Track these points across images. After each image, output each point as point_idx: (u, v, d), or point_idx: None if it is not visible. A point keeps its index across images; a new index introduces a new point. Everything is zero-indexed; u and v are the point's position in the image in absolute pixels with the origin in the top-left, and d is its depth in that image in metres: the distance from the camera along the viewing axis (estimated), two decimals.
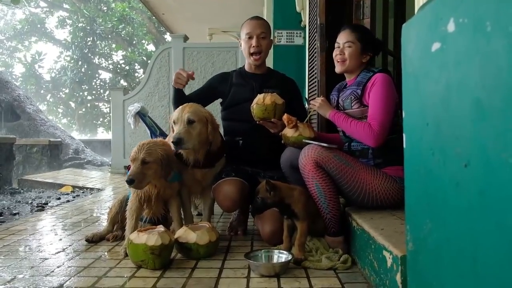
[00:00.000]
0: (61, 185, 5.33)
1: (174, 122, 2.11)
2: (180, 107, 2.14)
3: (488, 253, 0.71)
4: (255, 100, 2.12)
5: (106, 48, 20.19)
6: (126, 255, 1.93)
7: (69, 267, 1.82)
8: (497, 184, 0.68)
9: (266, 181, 1.84)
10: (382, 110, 1.85)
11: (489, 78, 0.70)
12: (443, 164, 0.87)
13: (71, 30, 19.39)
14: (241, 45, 2.48)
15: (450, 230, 0.84)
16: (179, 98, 2.36)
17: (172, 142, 2.02)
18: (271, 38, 2.50)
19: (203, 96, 2.44)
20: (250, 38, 2.37)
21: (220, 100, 2.52)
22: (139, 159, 1.93)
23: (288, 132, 2.04)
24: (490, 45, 0.69)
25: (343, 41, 2.03)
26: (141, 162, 1.93)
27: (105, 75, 20.54)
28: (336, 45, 2.07)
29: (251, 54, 2.38)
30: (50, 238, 2.36)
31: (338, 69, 2.07)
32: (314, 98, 2.19)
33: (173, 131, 2.13)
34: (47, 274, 1.72)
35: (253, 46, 2.36)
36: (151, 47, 20.01)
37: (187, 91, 2.47)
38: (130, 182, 1.90)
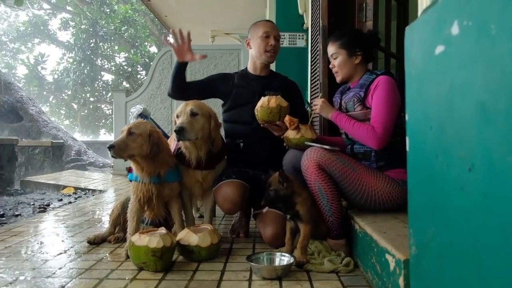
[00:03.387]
0: (63, 187, 5.34)
1: (177, 116, 2.11)
2: (184, 102, 2.16)
3: (492, 258, 0.70)
4: (260, 103, 2.11)
5: (108, 50, 20.24)
6: (127, 257, 1.93)
7: (70, 268, 1.82)
8: (501, 188, 0.67)
9: (279, 172, 1.83)
10: (385, 112, 1.84)
11: (493, 81, 0.69)
12: (447, 167, 0.86)
13: (74, 32, 19.45)
14: (248, 44, 2.47)
15: (454, 234, 0.83)
16: (179, 75, 2.33)
17: (175, 131, 2.02)
18: None
19: (202, 87, 2.44)
20: (267, 37, 2.38)
21: (221, 102, 2.52)
22: (126, 129, 1.97)
23: (290, 134, 2.04)
24: (495, 48, 0.68)
25: (330, 54, 2.09)
26: (127, 132, 1.96)
27: (108, 77, 20.59)
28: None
29: (266, 51, 2.39)
30: (52, 240, 2.36)
31: (336, 79, 2.13)
32: (315, 99, 2.18)
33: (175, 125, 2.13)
34: (49, 276, 1.72)
35: (271, 45, 2.38)
36: (153, 49, 20.06)
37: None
38: (110, 147, 1.91)
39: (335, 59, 2.05)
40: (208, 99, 2.50)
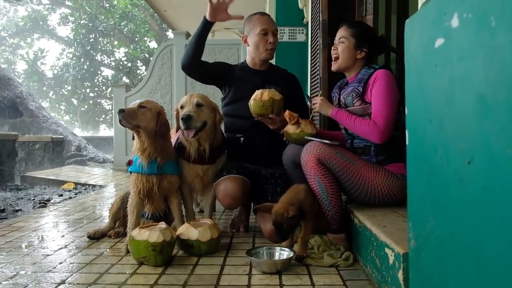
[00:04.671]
0: (63, 182, 5.35)
1: (182, 107, 2.12)
2: (188, 94, 2.18)
3: (491, 250, 0.71)
4: (253, 96, 2.11)
5: (108, 45, 20.20)
6: (128, 251, 1.93)
7: (71, 263, 1.83)
8: (501, 180, 0.67)
9: (291, 216, 1.74)
10: (386, 106, 1.84)
11: (493, 74, 0.69)
12: (446, 160, 0.86)
13: (73, 27, 19.41)
14: (245, 41, 2.44)
15: (453, 227, 0.83)
16: (204, 37, 2.26)
17: (182, 118, 2.03)
18: None
19: (212, 66, 2.42)
20: (265, 34, 2.35)
21: (221, 96, 2.51)
22: (137, 103, 2.03)
23: (290, 128, 2.03)
24: (495, 40, 0.68)
25: (338, 37, 2.05)
26: (138, 105, 2.01)
27: (108, 72, 20.58)
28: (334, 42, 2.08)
29: (267, 50, 2.37)
30: (52, 235, 2.36)
31: (332, 67, 2.10)
32: (315, 97, 2.18)
33: (177, 118, 2.15)
34: (49, 271, 1.73)
35: (270, 42, 2.35)
36: (153, 44, 20.02)
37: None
38: (120, 110, 1.94)
39: (341, 43, 2.02)
40: (207, 94, 2.49)
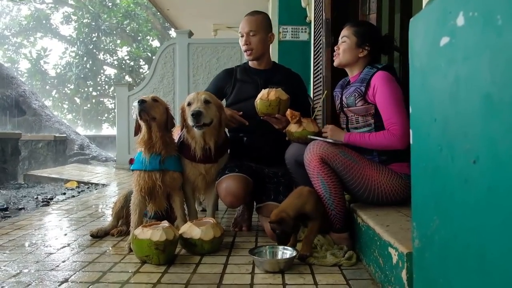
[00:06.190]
0: (66, 180, 5.35)
1: (189, 104, 2.13)
2: (195, 92, 2.21)
3: (495, 250, 0.70)
4: (259, 96, 2.11)
5: (111, 44, 20.22)
6: (130, 250, 1.93)
7: (74, 262, 1.83)
8: (506, 181, 0.67)
9: (280, 221, 1.74)
10: (395, 110, 1.82)
11: (499, 73, 0.68)
12: (451, 160, 0.85)
13: (76, 26, 19.44)
14: None
15: (458, 227, 0.83)
16: None
17: (192, 115, 2.04)
18: (271, 33, 2.46)
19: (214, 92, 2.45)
20: (241, 36, 2.42)
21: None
22: (150, 97, 2.09)
23: (292, 127, 2.03)
24: (501, 39, 0.67)
25: (341, 36, 2.05)
26: (151, 99, 2.06)
27: (110, 71, 20.60)
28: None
29: (244, 51, 2.44)
30: (55, 233, 2.37)
31: (334, 62, 2.10)
32: (324, 127, 2.14)
33: (183, 116, 2.17)
34: (52, 269, 1.73)
35: (243, 45, 2.41)
36: (156, 43, 20.03)
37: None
38: (142, 101, 1.98)
39: (343, 42, 2.02)
40: None
